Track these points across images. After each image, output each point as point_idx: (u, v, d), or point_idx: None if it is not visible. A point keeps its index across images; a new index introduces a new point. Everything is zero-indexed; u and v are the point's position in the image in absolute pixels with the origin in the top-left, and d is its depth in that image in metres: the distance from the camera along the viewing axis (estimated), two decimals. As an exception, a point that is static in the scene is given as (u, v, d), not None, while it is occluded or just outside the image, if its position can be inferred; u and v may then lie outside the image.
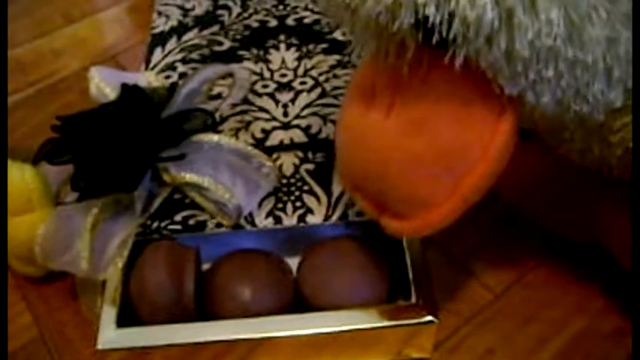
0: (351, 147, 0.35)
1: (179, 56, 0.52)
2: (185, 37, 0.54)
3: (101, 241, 0.40)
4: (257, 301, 0.39)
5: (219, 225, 0.41)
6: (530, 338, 0.41)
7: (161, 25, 0.56)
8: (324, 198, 0.42)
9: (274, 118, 0.47)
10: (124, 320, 0.38)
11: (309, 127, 0.46)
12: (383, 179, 0.32)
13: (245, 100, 0.48)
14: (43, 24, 0.67)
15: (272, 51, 0.52)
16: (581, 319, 0.41)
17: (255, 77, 0.50)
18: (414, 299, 0.38)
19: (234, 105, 0.48)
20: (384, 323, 0.37)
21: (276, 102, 0.48)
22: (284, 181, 0.43)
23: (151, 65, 0.52)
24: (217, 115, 0.46)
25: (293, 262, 0.42)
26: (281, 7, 0.56)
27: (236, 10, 0.56)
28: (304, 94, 0.49)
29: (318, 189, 0.42)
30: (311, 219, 0.41)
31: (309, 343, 0.38)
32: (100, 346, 0.37)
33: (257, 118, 0.47)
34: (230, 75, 0.50)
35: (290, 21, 0.55)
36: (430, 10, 0.26)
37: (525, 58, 0.27)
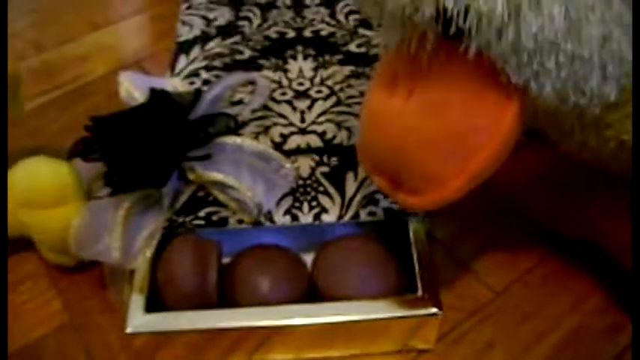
0: (374, 128, 0.38)
1: (202, 64, 0.56)
2: (208, 46, 0.57)
3: (131, 233, 0.43)
4: (274, 292, 0.42)
5: (240, 221, 0.44)
6: (527, 334, 0.44)
7: (185, 33, 0.59)
8: (337, 199, 0.45)
9: (292, 124, 0.50)
10: (151, 307, 0.41)
11: (324, 132, 0.49)
12: (401, 158, 0.36)
13: (265, 107, 0.52)
14: (69, 31, 0.70)
15: (290, 61, 0.55)
16: (576, 316, 0.44)
17: (274, 85, 0.53)
18: (420, 293, 0.41)
19: (255, 111, 0.51)
20: (392, 314, 0.40)
21: (294, 109, 0.51)
22: (301, 182, 0.46)
23: (176, 71, 0.55)
24: (239, 120, 0.49)
25: (307, 258, 0.45)
26: (299, 19, 0.59)
27: (256, 21, 0.60)
28: (320, 101, 0.52)
29: (332, 190, 0.45)
30: (325, 218, 0.44)
31: (322, 331, 0.41)
32: (129, 330, 0.40)
33: (276, 124, 0.50)
34: (251, 83, 0.53)
35: (307, 33, 0.58)
36: (449, 3, 0.29)
37: (529, 49, 0.30)
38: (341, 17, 0.59)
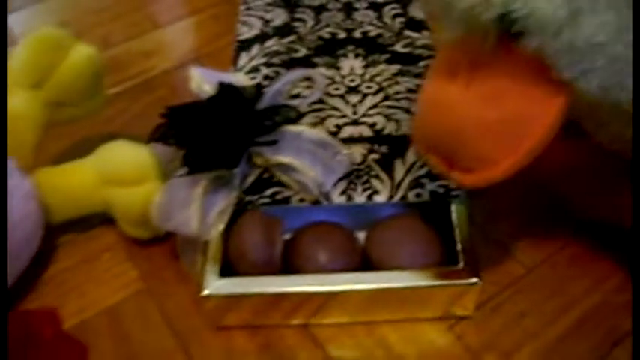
0: (432, 113, 0.43)
1: (262, 60, 0.62)
2: (267, 45, 0.63)
3: (205, 209, 0.49)
4: (331, 263, 0.48)
5: (301, 200, 0.50)
6: (554, 306, 0.49)
7: (245, 33, 0.65)
8: (388, 182, 0.51)
9: (345, 116, 0.56)
10: (223, 274, 0.47)
11: (374, 124, 0.55)
12: (457, 140, 0.40)
13: (320, 100, 0.57)
14: (134, 29, 0.76)
15: (342, 59, 0.61)
16: (598, 293, 0.50)
17: (327, 81, 0.58)
18: (461, 265, 0.46)
19: (312, 104, 0.57)
20: (437, 282, 0.46)
21: (347, 102, 0.57)
22: (354, 167, 0.52)
23: (239, 67, 0.61)
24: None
25: (360, 235, 0.51)
26: (349, 21, 0.65)
27: (310, 22, 0.65)
28: (370, 96, 0.58)
29: (383, 175, 0.51)
30: (377, 198, 0.50)
31: (373, 297, 0.47)
32: (205, 292, 0.46)
33: (330, 115, 0.56)
34: (307, 79, 0.59)
35: (357, 34, 0.64)
36: (515, 5, 0.34)
37: (582, 50, 0.34)
38: (387, 20, 0.65)
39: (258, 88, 0.55)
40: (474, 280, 0.45)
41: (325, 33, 0.64)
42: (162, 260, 0.54)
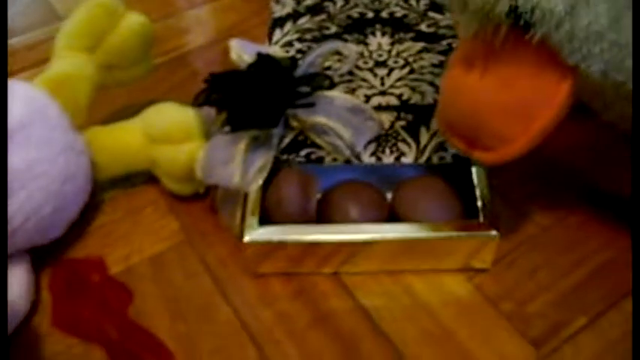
0: (453, 99, 0.48)
1: (295, 36, 0.66)
2: (299, 22, 0.68)
3: (246, 165, 0.53)
4: (362, 217, 0.52)
5: (333, 160, 0.54)
6: (567, 263, 0.53)
7: (278, 11, 0.69)
8: (413, 145, 0.55)
9: (373, 87, 0.60)
10: (260, 224, 0.51)
11: (401, 95, 0.60)
12: (476, 122, 0.45)
13: (350, 73, 0.62)
14: (171, 7, 0.81)
15: (370, 37, 0.66)
16: (608, 252, 0.53)
17: (357, 54, 0.63)
18: (481, 219, 0.51)
19: (342, 75, 0.61)
20: (458, 234, 0.50)
21: (375, 75, 0.61)
22: (383, 132, 0.56)
23: (274, 42, 0.65)
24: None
25: (387, 195, 0.55)
26: (377, 2, 0.69)
27: (340, 3, 0.70)
28: (397, 70, 0.62)
29: (409, 139, 0.55)
30: (404, 160, 0.54)
31: (400, 248, 0.51)
32: (246, 239, 0.51)
33: (360, 86, 0.60)
34: (337, 53, 0.63)
35: (384, 14, 0.68)
36: (520, 2, 0.39)
37: (581, 38, 0.39)
38: (413, 2, 0.69)
39: (294, 60, 0.59)
40: (493, 233, 0.49)
41: (354, 12, 0.68)
42: (202, 214, 0.58)
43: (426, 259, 0.51)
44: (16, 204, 0.50)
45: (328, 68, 0.61)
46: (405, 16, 0.67)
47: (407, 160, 0.53)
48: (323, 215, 0.52)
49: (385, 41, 0.64)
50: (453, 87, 0.48)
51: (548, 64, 0.43)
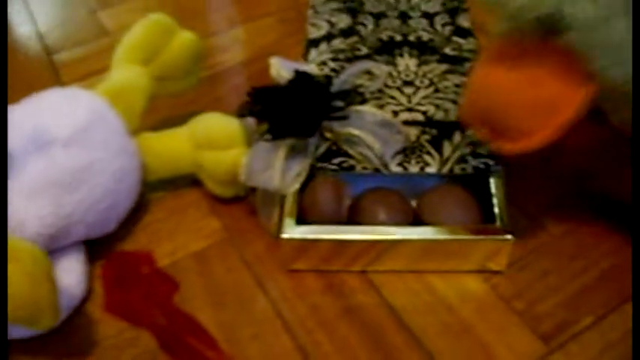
0: (482, 93, 0.52)
1: (329, 56, 0.72)
2: (333, 43, 0.73)
3: (285, 170, 0.59)
4: (389, 220, 0.57)
5: (364, 168, 0.60)
6: (575, 268, 0.58)
7: (314, 32, 0.75)
8: (437, 157, 0.60)
9: (401, 104, 0.66)
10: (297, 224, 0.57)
11: (426, 111, 0.65)
12: (502, 115, 0.50)
13: (380, 90, 0.67)
14: (213, 26, 0.87)
15: (398, 58, 0.71)
16: (614, 259, 0.58)
17: (387, 71, 0.69)
18: (498, 224, 0.56)
19: (372, 92, 0.67)
20: (476, 237, 0.55)
21: (402, 93, 0.67)
22: (409, 145, 0.62)
23: (309, 60, 0.71)
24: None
25: (412, 202, 0.60)
26: (404, 26, 0.75)
27: (370, 26, 0.76)
28: (422, 89, 0.67)
29: (433, 151, 0.61)
30: (428, 170, 0.60)
31: (423, 250, 0.56)
32: (284, 235, 0.56)
33: (388, 103, 0.66)
34: (369, 72, 0.69)
35: (412, 38, 0.74)
36: (552, 10, 0.44)
37: (604, 47, 0.44)
38: (438, 27, 0.75)
39: (328, 78, 0.65)
40: (508, 236, 0.54)
41: (384, 35, 0.74)
42: (242, 215, 0.63)
43: (446, 261, 0.56)
44: (78, 198, 0.55)
45: (360, 86, 0.66)
46: (431, 40, 0.72)
47: (431, 170, 0.59)
48: (353, 218, 0.58)
49: (412, 63, 0.70)
50: (483, 82, 0.53)
51: (572, 68, 0.47)
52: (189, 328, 0.55)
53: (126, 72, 0.62)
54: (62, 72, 0.82)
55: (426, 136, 0.61)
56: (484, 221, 0.57)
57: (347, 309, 0.55)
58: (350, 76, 0.65)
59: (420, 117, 0.63)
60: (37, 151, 0.55)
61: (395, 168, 0.59)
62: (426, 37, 0.73)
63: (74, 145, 0.56)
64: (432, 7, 0.77)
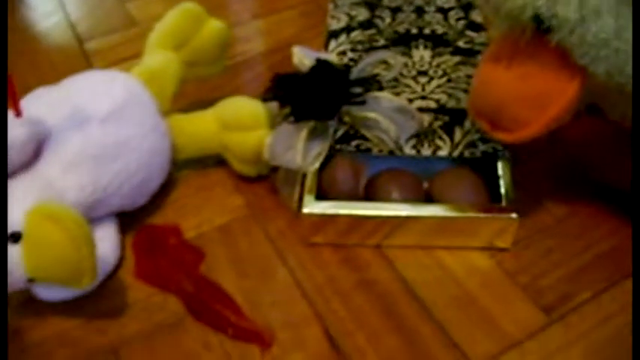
0: (483, 89, 0.56)
1: (348, 47, 0.76)
2: (352, 35, 0.78)
3: (306, 150, 0.63)
4: (402, 198, 0.62)
5: (379, 151, 0.64)
6: (576, 247, 0.62)
7: (334, 24, 0.80)
8: (448, 142, 0.65)
9: (415, 92, 0.70)
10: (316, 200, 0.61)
11: (439, 100, 0.69)
12: (501, 108, 0.54)
13: (395, 79, 0.72)
14: (236, 17, 0.91)
15: (414, 49, 0.75)
16: (613, 239, 0.62)
17: (403, 61, 0.73)
18: (504, 203, 0.60)
19: (389, 81, 0.71)
20: (484, 215, 0.59)
21: (417, 82, 0.71)
22: (423, 130, 0.66)
23: (329, 50, 0.75)
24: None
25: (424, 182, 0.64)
26: (420, 20, 0.79)
27: (387, 20, 0.80)
28: (436, 79, 0.72)
29: (445, 136, 0.65)
30: (439, 153, 0.64)
31: (435, 226, 0.60)
32: (305, 210, 0.60)
33: (404, 91, 0.70)
34: (385, 62, 0.73)
35: (426, 31, 0.78)
36: (542, 10, 0.48)
37: (590, 43, 0.48)
38: (452, 21, 0.79)
39: (347, 67, 0.69)
40: (514, 215, 0.58)
41: (400, 28, 0.78)
42: (264, 193, 0.68)
43: (455, 237, 0.60)
44: (115, 170, 0.60)
45: (376, 75, 0.70)
46: (445, 33, 0.77)
47: (442, 153, 0.63)
48: (369, 196, 0.62)
49: (427, 54, 0.74)
50: (483, 79, 0.57)
51: (562, 64, 0.51)
52: (215, 294, 0.59)
53: (159, 57, 0.66)
54: (93, 59, 0.86)
55: (439, 122, 0.65)
56: (491, 202, 0.60)
57: (362, 280, 0.59)
58: (367, 65, 0.69)
59: (433, 104, 0.67)
60: (76, 127, 0.59)
61: (409, 151, 0.63)
62: (440, 30, 0.77)
63: (111, 122, 0.60)
64: (447, 3, 0.81)
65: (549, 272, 0.59)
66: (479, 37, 0.75)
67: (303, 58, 0.69)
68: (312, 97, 0.62)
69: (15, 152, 0.55)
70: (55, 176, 0.57)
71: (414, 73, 0.71)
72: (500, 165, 0.61)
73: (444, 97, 0.68)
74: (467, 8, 0.79)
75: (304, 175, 0.62)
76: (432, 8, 0.80)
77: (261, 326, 0.56)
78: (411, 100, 0.67)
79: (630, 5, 0.47)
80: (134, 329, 0.58)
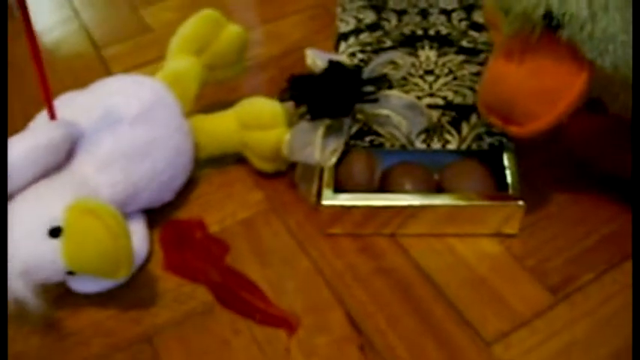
0: (495, 84, 0.60)
1: (357, 48, 0.80)
2: (361, 37, 0.82)
3: (323, 146, 0.67)
4: (415, 189, 0.66)
5: (392, 145, 0.69)
6: (579, 232, 0.65)
7: (343, 27, 0.84)
8: (456, 136, 0.69)
9: (423, 90, 0.74)
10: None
11: (446, 97, 0.73)
12: (512, 103, 0.57)
13: (403, 78, 0.76)
14: (248, 22, 0.95)
15: (420, 50, 0.80)
16: (613, 224, 0.66)
17: (411, 61, 0.77)
18: (510, 191, 0.64)
19: (398, 80, 0.75)
20: (492, 203, 0.63)
21: (424, 81, 0.76)
22: (432, 125, 0.70)
23: (340, 52, 0.80)
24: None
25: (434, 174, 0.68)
26: (425, 22, 0.84)
27: (394, 22, 0.84)
28: (442, 77, 0.76)
29: (453, 131, 0.69)
30: (448, 147, 0.68)
31: (446, 215, 0.64)
32: (325, 202, 0.64)
33: (412, 90, 0.74)
34: (393, 62, 0.77)
35: (431, 32, 0.82)
36: (554, 8, 0.52)
37: (598, 38, 0.51)
38: (455, 22, 0.83)
39: (358, 66, 0.74)
40: (520, 202, 0.63)
41: (406, 30, 0.82)
42: (283, 188, 0.71)
43: (465, 225, 0.65)
44: (144, 168, 0.64)
45: (386, 74, 0.75)
46: (449, 34, 0.81)
47: (451, 146, 0.67)
48: (383, 188, 0.66)
49: (432, 54, 0.78)
50: (495, 74, 0.60)
51: (572, 59, 0.54)
52: (241, 283, 0.63)
53: (181, 61, 0.70)
54: (112, 64, 0.90)
55: (447, 118, 0.70)
56: (498, 191, 0.64)
57: (379, 267, 0.63)
58: (377, 65, 0.74)
59: (440, 101, 0.71)
60: (108, 129, 0.63)
61: (419, 145, 0.67)
62: (444, 31, 0.81)
63: (140, 124, 0.64)
64: (450, 4, 0.85)
65: (554, 256, 0.63)
66: (481, 37, 0.79)
67: (316, 59, 0.73)
68: (327, 96, 0.66)
69: (52, 153, 0.58)
70: (89, 175, 0.61)
71: (421, 72, 0.75)
72: (505, 156, 0.65)
73: (450, 94, 0.72)
74: (469, 9, 0.83)
75: (322, 170, 0.66)
76: (436, 10, 0.84)
77: (287, 312, 0.60)
78: (419, 98, 0.71)
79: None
80: (166, 318, 0.61)
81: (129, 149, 0.62)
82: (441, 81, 0.74)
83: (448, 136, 0.67)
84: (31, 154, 0.56)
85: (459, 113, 0.69)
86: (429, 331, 0.58)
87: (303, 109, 0.68)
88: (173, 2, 1.01)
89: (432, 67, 0.75)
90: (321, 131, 0.65)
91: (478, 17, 0.82)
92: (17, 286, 0.54)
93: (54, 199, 0.57)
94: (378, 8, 0.85)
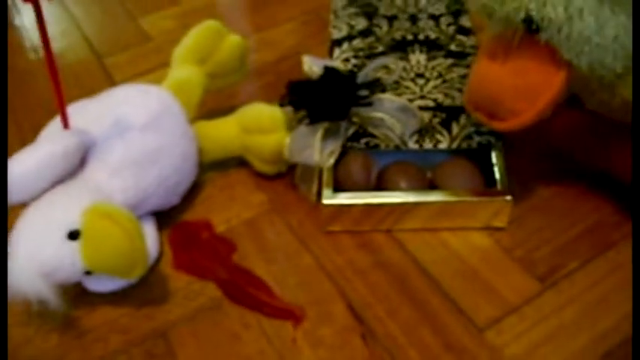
0: (480, 83, 0.63)
1: (351, 54, 0.84)
2: (353, 43, 0.86)
3: (322, 148, 0.71)
4: (409, 187, 0.70)
5: (386, 146, 0.73)
6: (564, 224, 0.70)
7: (336, 34, 0.88)
8: (447, 136, 0.73)
9: (414, 93, 0.79)
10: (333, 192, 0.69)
11: (436, 99, 0.78)
12: (496, 100, 0.61)
13: (396, 82, 0.80)
14: (242, 30, 0.98)
15: (410, 54, 0.84)
16: (596, 215, 0.70)
17: (402, 65, 0.81)
18: (499, 187, 0.68)
19: (390, 84, 0.79)
20: (481, 198, 0.68)
21: (415, 84, 0.80)
22: (424, 126, 0.74)
23: (334, 58, 0.84)
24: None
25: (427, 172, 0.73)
26: (414, 27, 0.88)
27: (384, 28, 0.88)
28: (432, 80, 0.80)
29: (444, 131, 0.73)
30: (440, 146, 0.72)
31: (438, 210, 0.68)
32: (325, 201, 0.68)
33: (404, 92, 0.78)
34: (386, 67, 0.82)
35: (421, 37, 0.86)
36: (533, 12, 0.55)
37: (574, 40, 0.55)
38: (443, 27, 0.87)
39: (352, 72, 0.78)
40: (508, 197, 0.67)
41: (397, 35, 0.86)
42: (284, 189, 0.75)
43: (457, 220, 0.69)
44: (153, 174, 0.68)
45: (379, 79, 0.79)
46: (437, 38, 0.85)
47: (442, 146, 0.71)
48: (380, 186, 0.70)
49: (422, 58, 0.82)
50: (481, 75, 0.64)
51: (550, 59, 0.58)
52: (248, 279, 0.67)
53: (185, 70, 0.74)
54: (114, 72, 0.94)
55: (437, 119, 0.74)
56: (487, 187, 0.68)
57: (377, 261, 0.68)
58: (371, 70, 0.78)
59: (431, 103, 0.76)
60: (118, 136, 0.67)
61: (412, 145, 0.71)
62: (433, 35, 0.85)
63: (148, 131, 0.68)
64: (438, 10, 0.89)
65: (541, 246, 0.67)
66: (469, 41, 0.83)
67: (312, 65, 0.77)
68: (325, 100, 0.70)
69: (67, 160, 0.62)
70: (102, 181, 0.65)
71: (412, 75, 0.79)
72: (493, 154, 0.70)
73: (440, 97, 0.76)
74: (456, 14, 0.88)
75: (321, 171, 0.70)
76: (425, 15, 0.88)
77: (292, 305, 0.64)
78: (411, 100, 0.75)
79: (608, 5, 0.54)
80: (178, 314, 0.65)
81: (139, 156, 0.66)
82: (432, 84, 0.78)
83: (439, 137, 0.71)
84: (49, 161, 0.60)
85: (448, 114, 0.74)
86: (425, 319, 0.62)
87: (301, 113, 0.72)
88: (170, 11, 1.05)
89: (422, 70, 0.80)
90: (319, 134, 0.69)
91: (465, 22, 0.86)
92: (39, 287, 0.57)
93: (71, 203, 0.61)
94: (370, 15, 0.89)
